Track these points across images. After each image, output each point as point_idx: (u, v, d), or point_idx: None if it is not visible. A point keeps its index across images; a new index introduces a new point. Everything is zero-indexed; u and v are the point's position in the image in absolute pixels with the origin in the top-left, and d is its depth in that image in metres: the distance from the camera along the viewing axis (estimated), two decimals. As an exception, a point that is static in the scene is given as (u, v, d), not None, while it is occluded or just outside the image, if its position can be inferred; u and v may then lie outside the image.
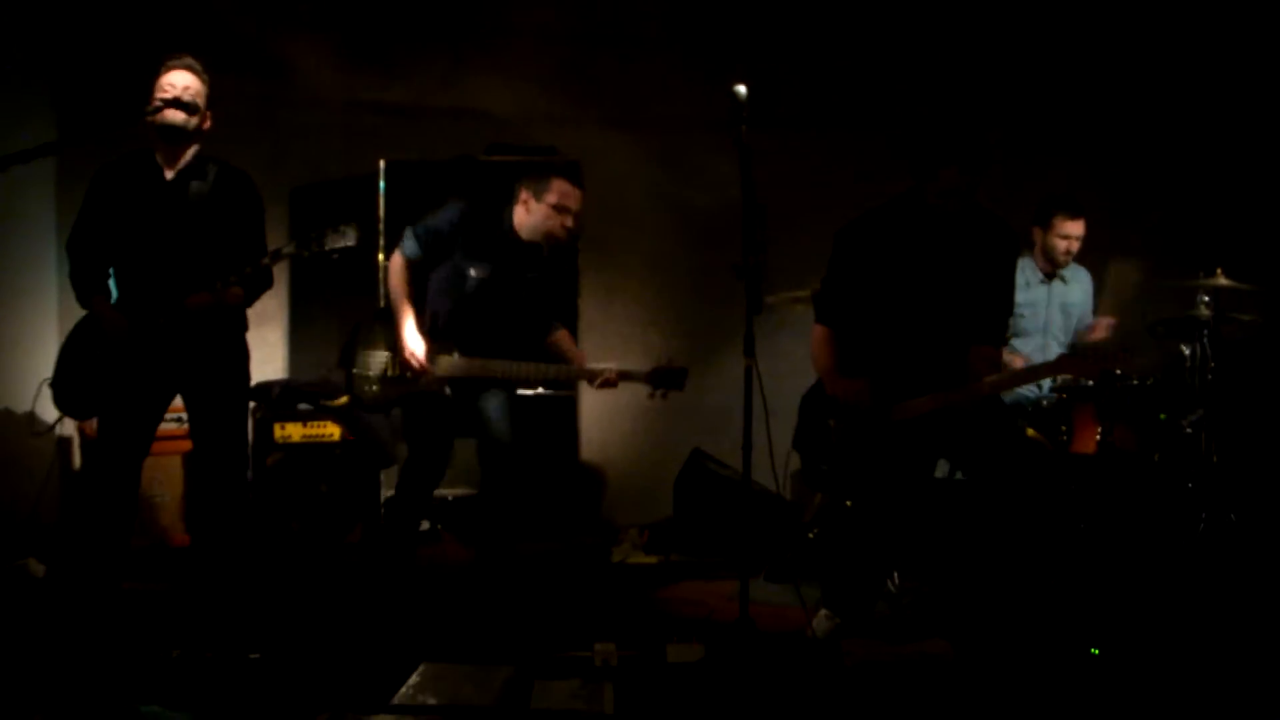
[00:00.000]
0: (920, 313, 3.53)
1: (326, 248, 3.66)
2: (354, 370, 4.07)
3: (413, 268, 4.03)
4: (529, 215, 4.02)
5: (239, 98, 5.12)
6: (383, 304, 4.36)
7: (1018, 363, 4.47)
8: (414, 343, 3.95)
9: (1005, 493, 3.45)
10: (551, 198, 3.98)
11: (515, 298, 4.04)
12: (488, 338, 4.00)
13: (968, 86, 5.53)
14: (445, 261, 4.02)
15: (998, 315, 3.62)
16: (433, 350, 3.97)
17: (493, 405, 4.03)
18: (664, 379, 3.92)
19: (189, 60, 3.62)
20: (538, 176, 4.04)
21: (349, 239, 3.66)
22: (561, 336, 4.18)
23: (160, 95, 3.56)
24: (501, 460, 4.02)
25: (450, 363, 3.99)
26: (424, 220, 4.05)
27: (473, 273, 4.00)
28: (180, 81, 3.59)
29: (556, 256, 4.15)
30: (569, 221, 4.02)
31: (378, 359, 4.05)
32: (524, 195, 4.03)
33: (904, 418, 3.49)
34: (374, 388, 4.04)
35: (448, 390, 4.00)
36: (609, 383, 3.94)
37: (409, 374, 3.98)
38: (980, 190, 3.51)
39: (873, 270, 3.56)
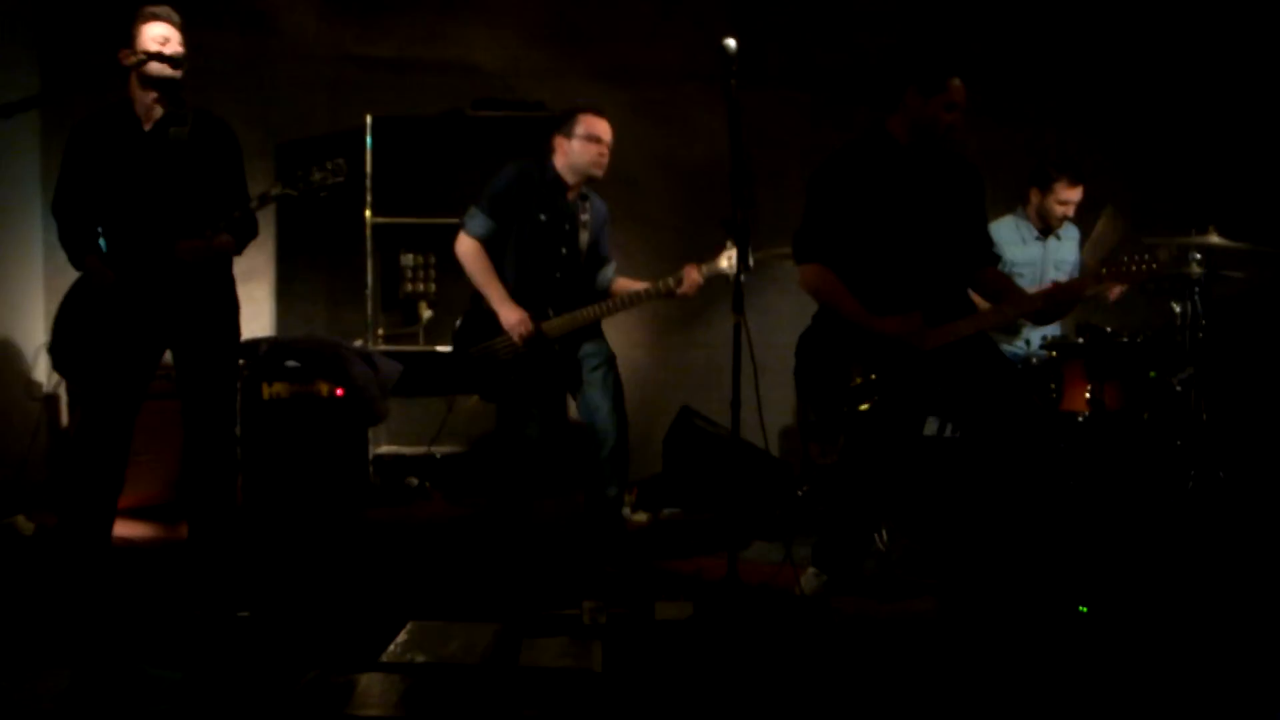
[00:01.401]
0: (913, 242, 3.53)
1: (314, 182, 3.63)
2: (482, 358, 4.12)
3: (488, 243, 4.08)
4: (567, 157, 4.08)
5: (224, 52, 5.07)
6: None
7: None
8: (517, 316, 4.01)
9: (1000, 451, 3.45)
10: (581, 129, 4.05)
11: (579, 242, 4.15)
12: (573, 286, 4.12)
13: (958, 45, 5.48)
14: (516, 223, 4.07)
15: (984, 236, 3.70)
16: (533, 317, 4.04)
17: (596, 382, 4.11)
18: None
19: (167, 10, 3.59)
20: (567, 118, 4.10)
21: (339, 175, 3.65)
22: (620, 282, 4.28)
23: (143, 49, 3.53)
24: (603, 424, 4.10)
25: (552, 324, 4.06)
26: (484, 194, 4.09)
27: (543, 217, 4.08)
28: (162, 33, 3.56)
29: (597, 209, 4.24)
30: (603, 151, 4.06)
31: (500, 343, 4.08)
32: (559, 141, 4.11)
33: (941, 343, 3.46)
34: (505, 368, 4.10)
35: (556, 347, 4.09)
36: (694, 285, 4.01)
37: (524, 345, 4.04)
38: (969, 141, 3.50)
39: (856, 206, 3.55)
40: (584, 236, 4.15)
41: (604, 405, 4.09)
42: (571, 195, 4.14)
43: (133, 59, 3.53)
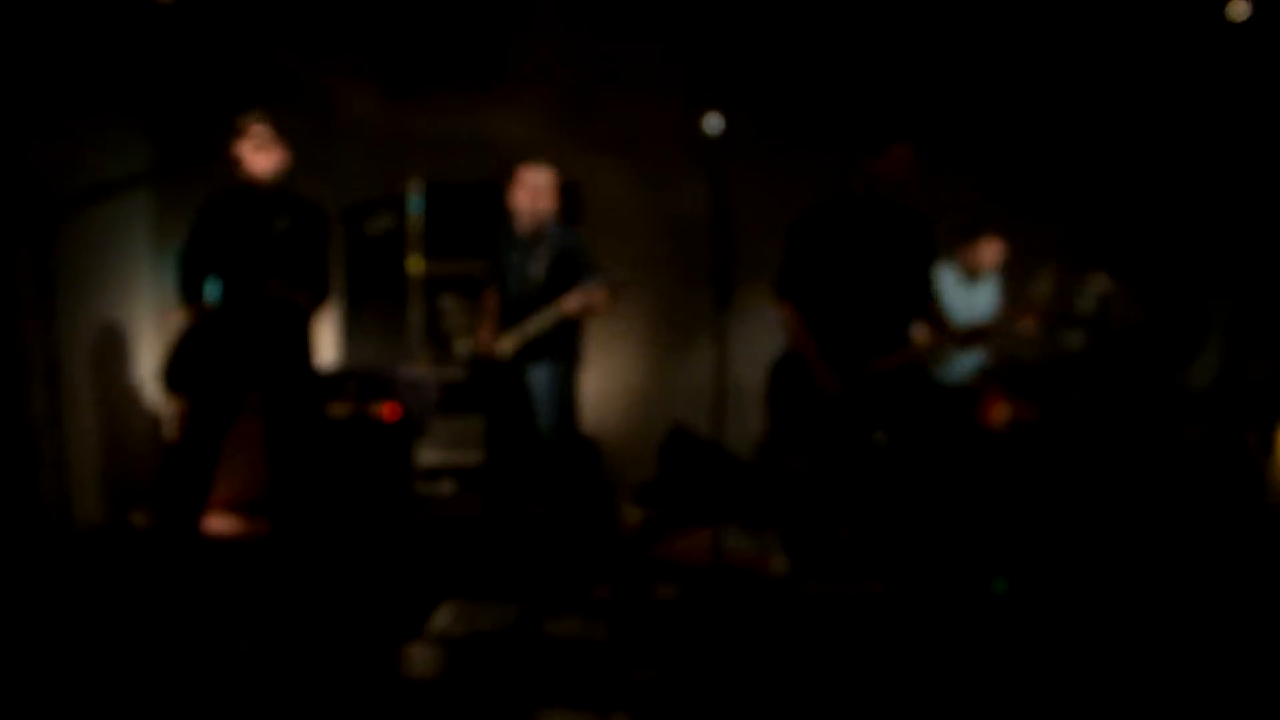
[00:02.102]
0: (862, 286, 3.62)
1: (368, 233, 3.82)
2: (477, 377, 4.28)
3: (496, 287, 4.26)
4: (513, 204, 4.13)
5: (294, 129, 5.18)
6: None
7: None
8: (482, 339, 4.22)
9: (929, 457, 3.56)
10: (515, 186, 4.11)
11: (530, 273, 4.13)
12: (532, 309, 4.12)
13: (899, 114, 5.55)
14: (501, 266, 4.23)
15: (925, 288, 3.75)
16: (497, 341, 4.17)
17: (540, 387, 4.12)
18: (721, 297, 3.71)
19: (259, 122, 3.81)
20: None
21: (389, 223, 3.84)
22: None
23: (253, 146, 3.79)
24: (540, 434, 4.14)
25: (503, 342, 4.15)
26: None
27: (512, 260, 4.16)
28: (262, 136, 3.80)
29: (563, 243, 4.15)
30: (527, 197, 4.05)
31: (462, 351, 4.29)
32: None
33: (879, 370, 3.57)
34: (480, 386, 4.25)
35: (509, 362, 4.15)
36: (597, 301, 3.94)
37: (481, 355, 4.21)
38: (905, 196, 3.61)
39: (819, 254, 3.65)
40: (536, 269, 4.10)
41: (543, 411, 4.10)
42: (525, 235, 4.12)
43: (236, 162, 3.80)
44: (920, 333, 3.81)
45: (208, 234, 3.91)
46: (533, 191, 4.06)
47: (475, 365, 4.26)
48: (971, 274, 4.85)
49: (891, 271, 3.65)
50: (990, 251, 4.78)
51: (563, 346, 4.13)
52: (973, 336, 3.81)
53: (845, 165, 3.70)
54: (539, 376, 4.13)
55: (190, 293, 3.91)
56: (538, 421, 4.12)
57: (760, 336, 5.07)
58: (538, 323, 4.05)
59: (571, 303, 3.94)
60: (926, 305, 3.76)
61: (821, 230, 3.68)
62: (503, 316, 4.22)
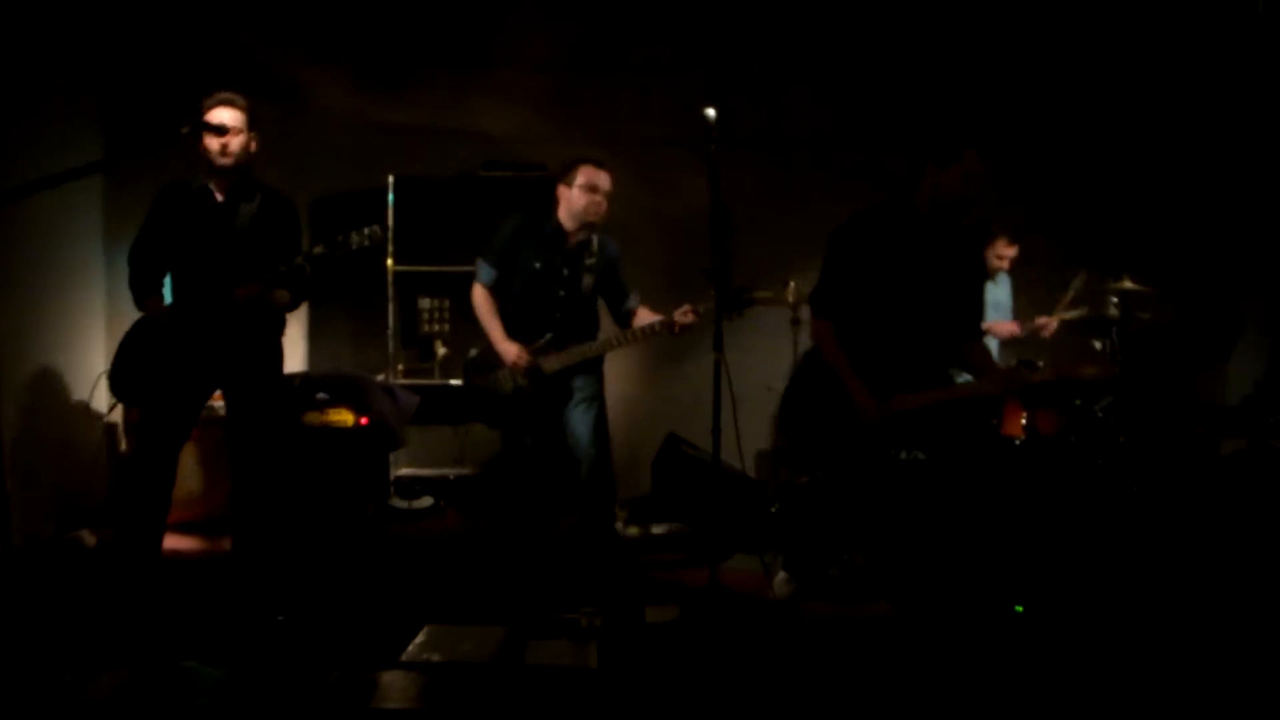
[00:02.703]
0: (909, 308, 3.40)
1: (352, 246, 3.62)
2: (488, 389, 4.05)
3: (494, 290, 4.02)
4: (569, 205, 3.96)
5: (264, 119, 5.03)
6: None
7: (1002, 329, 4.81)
8: (514, 351, 3.94)
9: (957, 474, 3.42)
10: (580, 179, 3.93)
11: (580, 285, 4.01)
12: (574, 324, 4.00)
13: (905, 113, 5.51)
14: (515, 270, 3.99)
15: (975, 311, 3.55)
16: (532, 351, 3.96)
17: (580, 412, 3.99)
18: (733, 303, 3.60)
19: (229, 96, 3.56)
20: (568, 169, 3.97)
21: (375, 240, 3.65)
22: (640, 311, 4.10)
23: (208, 142, 3.52)
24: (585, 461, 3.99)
25: (549, 362, 3.96)
26: (488, 245, 4.04)
27: (538, 265, 3.97)
28: (224, 119, 3.53)
29: (606, 252, 4.06)
30: (600, 200, 3.94)
31: (501, 377, 4.02)
32: (561, 190, 3.99)
33: (904, 408, 3.37)
34: (504, 399, 4.02)
35: (549, 380, 3.98)
36: (685, 325, 3.84)
37: (523, 377, 3.96)
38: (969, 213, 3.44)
39: (866, 267, 3.41)
40: (586, 279, 4.01)
41: (584, 437, 3.97)
42: (573, 241, 4.00)
43: (186, 130, 3.48)
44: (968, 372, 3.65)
45: (162, 227, 3.67)
46: (602, 195, 3.93)
47: (517, 390, 4.01)
48: (989, 274, 4.84)
49: (943, 295, 3.42)
50: (1005, 252, 4.84)
51: (599, 362, 4.07)
52: (1005, 392, 3.66)
53: (902, 171, 3.48)
54: (582, 394, 4.00)
55: (144, 291, 3.68)
56: (571, 440, 3.99)
57: (759, 344, 4.96)
58: (608, 344, 3.98)
59: (681, 317, 3.82)
60: (976, 330, 3.55)
61: (869, 242, 3.42)
62: (520, 324, 4.00)
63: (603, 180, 3.94)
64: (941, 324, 3.44)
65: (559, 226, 4.00)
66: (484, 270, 4.03)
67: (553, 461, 4.11)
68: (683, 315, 3.82)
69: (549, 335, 3.96)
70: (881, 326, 3.42)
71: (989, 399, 4.42)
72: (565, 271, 4.00)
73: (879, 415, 3.37)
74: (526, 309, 4.01)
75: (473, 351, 4.15)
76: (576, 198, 3.93)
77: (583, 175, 3.92)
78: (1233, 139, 5.46)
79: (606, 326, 4.18)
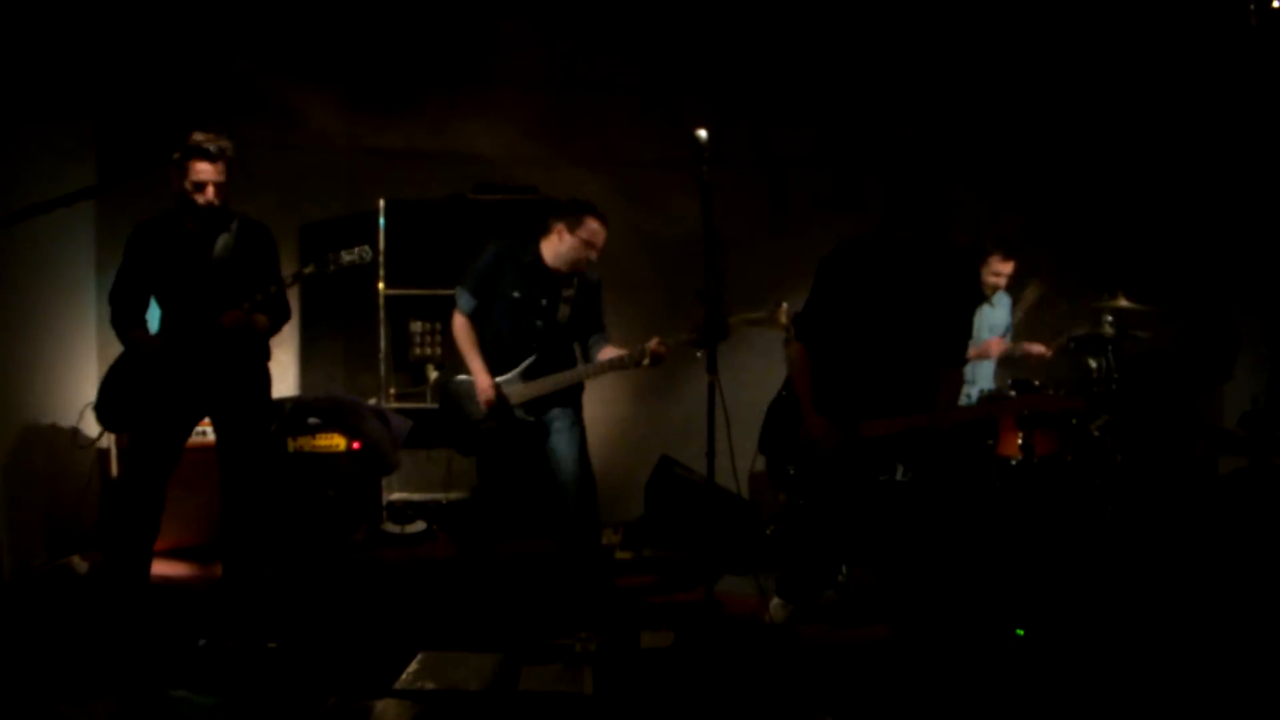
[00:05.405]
0: (888, 335, 3.43)
1: (343, 264, 3.69)
2: (457, 414, 4.08)
3: (475, 317, 4.04)
4: (560, 245, 3.96)
5: (254, 142, 5.07)
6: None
7: (994, 347, 4.79)
8: (484, 384, 3.96)
9: (947, 495, 3.43)
10: (584, 233, 3.93)
11: (557, 316, 4.02)
12: (551, 356, 4.01)
13: (897, 133, 5.56)
14: (494, 299, 4.01)
15: (959, 339, 3.53)
16: (499, 386, 3.97)
17: (561, 438, 4.00)
18: (709, 335, 3.43)
19: (215, 143, 3.59)
20: (574, 214, 3.97)
21: (365, 259, 3.73)
22: (606, 348, 4.10)
23: (192, 180, 3.58)
24: (568, 488, 3.99)
25: (515, 392, 3.98)
26: (468, 274, 4.05)
27: (516, 295, 3.98)
28: (205, 175, 3.59)
29: (586, 281, 4.09)
30: (593, 255, 3.98)
31: (472, 408, 4.04)
32: (558, 228, 3.97)
33: (873, 435, 3.40)
34: (479, 423, 4.04)
35: (519, 413, 4.00)
36: (658, 355, 3.85)
37: (487, 410, 3.97)
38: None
39: (848, 295, 3.46)
40: (563, 310, 4.01)
41: (566, 462, 3.98)
42: (553, 273, 4.01)
43: (178, 185, 3.59)
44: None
45: (141, 265, 3.74)
46: (595, 246, 3.96)
47: (482, 423, 4.03)
48: (987, 293, 4.88)
49: (924, 321, 3.43)
50: (1000, 268, 4.81)
51: (578, 391, 4.09)
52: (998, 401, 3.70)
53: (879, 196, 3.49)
54: (561, 424, 4.01)
55: (127, 326, 3.75)
56: (554, 466, 3.99)
57: (752, 365, 4.99)
58: (578, 375, 4.00)
59: (650, 352, 3.84)
60: (957, 357, 3.54)
61: (852, 270, 3.47)
62: (497, 353, 4.02)
63: (601, 238, 3.97)
64: (921, 351, 3.45)
65: (538, 257, 4.00)
66: (464, 299, 4.04)
67: (531, 489, 4.10)
68: (656, 347, 3.85)
69: (534, 357, 3.99)
70: (858, 352, 3.47)
71: (983, 421, 4.47)
72: (543, 302, 4.01)
73: (828, 437, 3.41)
74: (504, 338, 4.02)
75: (440, 377, 4.15)
76: (572, 245, 3.94)
77: (586, 230, 3.93)
78: (1229, 154, 5.49)
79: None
